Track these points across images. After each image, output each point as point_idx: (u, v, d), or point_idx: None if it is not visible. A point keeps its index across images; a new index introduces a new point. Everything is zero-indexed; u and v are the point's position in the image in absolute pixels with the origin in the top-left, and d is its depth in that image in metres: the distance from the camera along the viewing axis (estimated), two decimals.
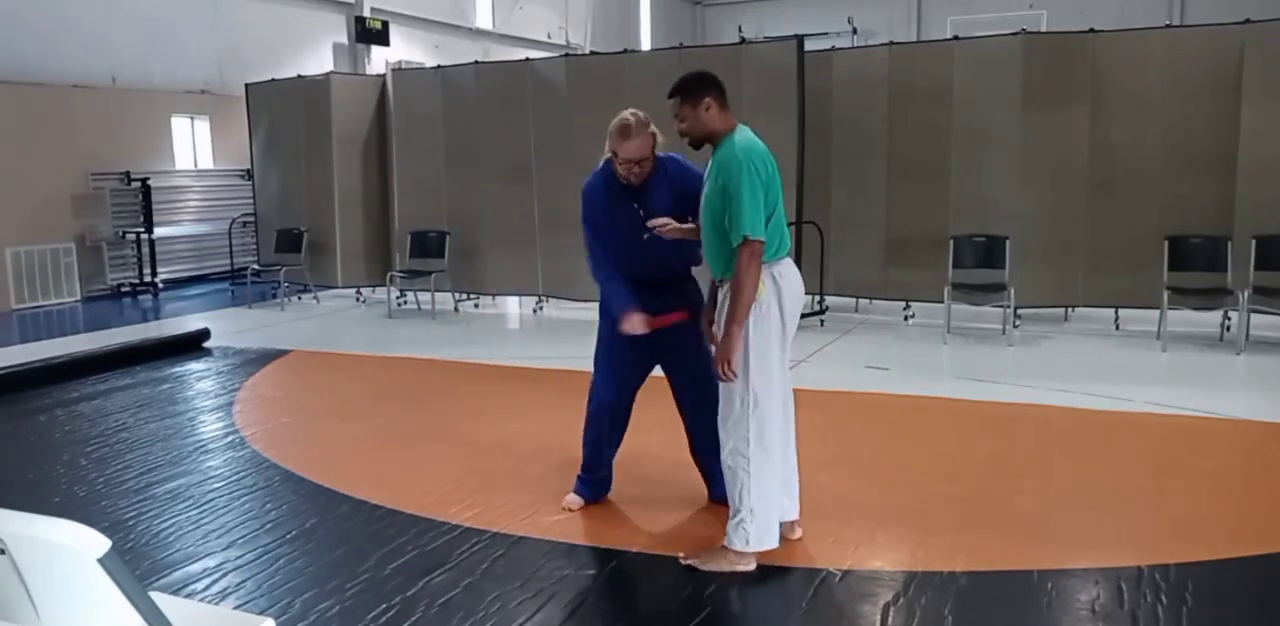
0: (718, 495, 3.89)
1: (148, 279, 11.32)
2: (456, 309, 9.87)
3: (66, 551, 1.60)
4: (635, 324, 3.81)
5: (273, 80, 10.96)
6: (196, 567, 3.65)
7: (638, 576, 3.58)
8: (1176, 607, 3.19)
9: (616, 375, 4.05)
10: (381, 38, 15.11)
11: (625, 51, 10.20)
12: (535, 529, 3.94)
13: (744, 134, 3.53)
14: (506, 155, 9.43)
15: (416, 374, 7.00)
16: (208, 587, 3.47)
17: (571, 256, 7.58)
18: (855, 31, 21.46)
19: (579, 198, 4.01)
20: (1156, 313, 7.47)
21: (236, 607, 3.28)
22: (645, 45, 21.95)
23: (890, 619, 3.17)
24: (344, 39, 14.86)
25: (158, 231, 11.30)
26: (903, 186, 8.54)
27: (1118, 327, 8.11)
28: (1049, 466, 4.71)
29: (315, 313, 9.99)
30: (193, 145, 12.41)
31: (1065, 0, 18.38)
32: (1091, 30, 7.94)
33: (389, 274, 9.78)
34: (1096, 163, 7.91)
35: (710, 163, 3.56)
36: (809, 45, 8.46)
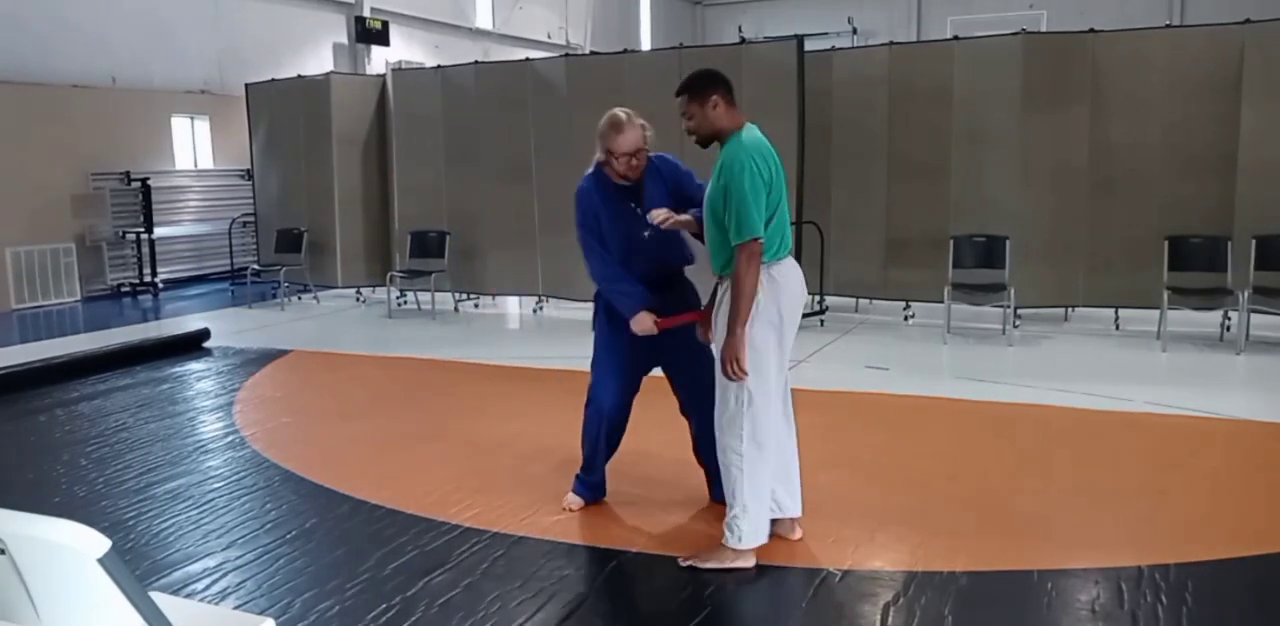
0: (718, 495, 3.89)
1: (148, 279, 11.32)
2: (456, 309, 9.87)
3: (66, 551, 1.60)
4: (647, 325, 3.82)
5: (273, 80, 10.96)
6: (196, 567, 3.65)
7: (638, 576, 3.58)
8: (1176, 607, 3.19)
9: (619, 380, 4.03)
10: (381, 38, 15.11)
11: (625, 51, 10.19)
12: (535, 529, 3.94)
13: (751, 133, 3.53)
14: (506, 155, 9.43)
15: (416, 374, 7.00)
16: (208, 587, 3.47)
17: (571, 256, 7.58)
18: (855, 31, 21.47)
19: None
20: (1156, 312, 7.47)
21: (236, 607, 3.28)
22: (645, 45, 21.95)
23: (890, 619, 3.17)
24: (344, 39, 14.86)
25: (158, 231, 11.30)
26: (903, 186, 8.54)
27: (1118, 327, 8.11)
28: (1049, 466, 4.71)
29: (315, 312, 9.99)
30: (193, 145, 12.41)
31: (1065, 0, 18.38)
32: (1091, 30, 7.94)
33: (389, 274, 9.78)
34: (1096, 163, 7.91)
35: (717, 160, 3.57)
36: (809, 45, 8.46)
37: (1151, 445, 5.03)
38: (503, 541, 3.82)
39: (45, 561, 1.63)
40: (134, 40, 11.49)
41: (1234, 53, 7.53)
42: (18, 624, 1.71)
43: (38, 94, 10.31)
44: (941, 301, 7.77)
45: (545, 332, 9.11)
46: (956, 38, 8.78)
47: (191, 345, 7.88)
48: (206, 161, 12.46)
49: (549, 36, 19.62)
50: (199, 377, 6.94)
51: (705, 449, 4.00)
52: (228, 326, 8.91)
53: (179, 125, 12.15)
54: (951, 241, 7.99)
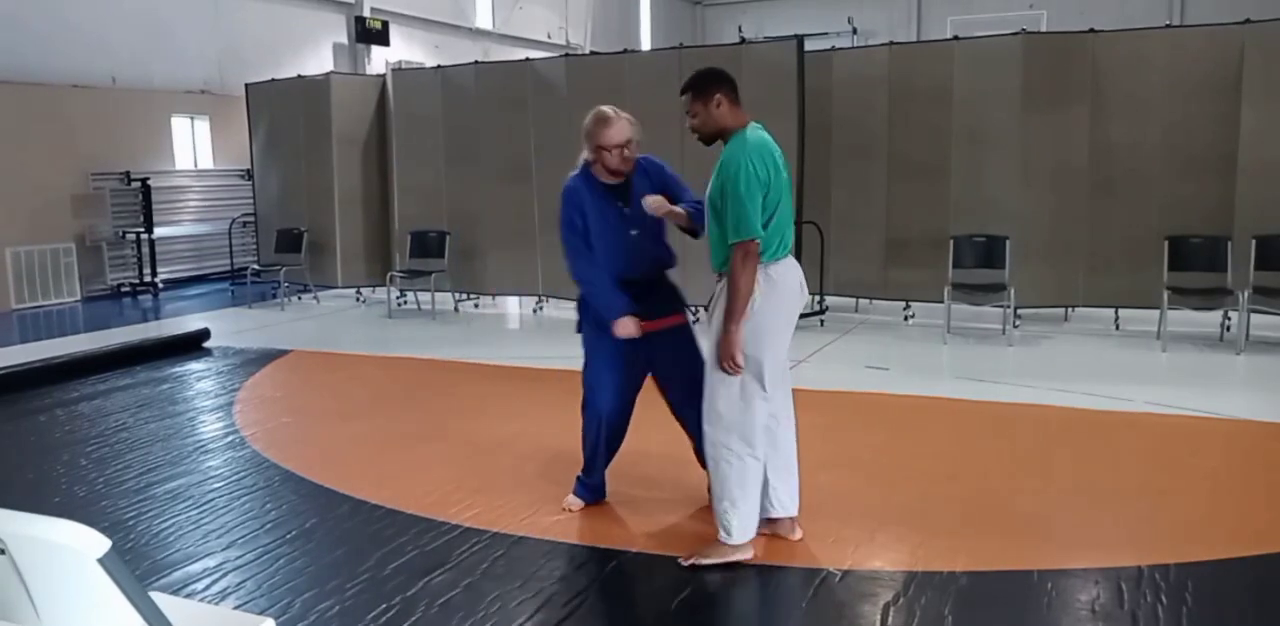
0: None
1: (148, 279, 11.32)
2: (456, 309, 9.87)
3: (66, 551, 1.60)
4: (629, 328, 3.82)
5: (273, 80, 10.96)
6: (196, 567, 3.65)
7: (638, 576, 3.58)
8: (1176, 607, 3.19)
9: (615, 383, 4.01)
10: (381, 38, 15.11)
11: (625, 51, 10.19)
12: (535, 529, 3.94)
13: (755, 132, 3.54)
14: (506, 155, 9.43)
15: (416, 374, 7.00)
16: (208, 587, 3.47)
17: None
18: (855, 31, 21.47)
19: None
20: (1156, 313, 7.47)
21: (236, 607, 3.28)
22: (645, 45, 21.95)
23: (890, 619, 3.17)
24: (344, 39, 14.86)
25: (158, 231, 11.30)
26: (903, 186, 8.54)
27: (1118, 327, 8.11)
28: (1049, 466, 4.71)
29: (315, 312, 9.99)
30: (193, 145, 12.41)
31: (1065, 0, 18.38)
32: (1091, 30, 7.94)
33: (389, 274, 9.78)
34: (1096, 163, 7.91)
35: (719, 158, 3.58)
36: (809, 45, 8.46)
37: (1151, 445, 5.03)
38: (503, 541, 3.82)
39: (45, 561, 1.63)
40: (134, 40, 11.48)
41: (1234, 53, 7.53)
42: (18, 624, 1.71)
43: (38, 94, 10.31)
44: (941, 301, 7.77)
45: (545, 333, 9.11)
46: (956, 38, 8.78)
47: (191, 345, 7.88)
48: (206, 161, 12.46)
49: (549, 36, 19.62)
50: (199, 377, 6.94)
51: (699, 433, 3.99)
52: (228, 326, 8.91)
53: (179, 125, 12.15)
54: (951, 241, 7.99)
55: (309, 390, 6.65)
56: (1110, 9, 17.34)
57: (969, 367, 6.93)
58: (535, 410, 5.79)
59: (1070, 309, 8.59)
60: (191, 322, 9.14)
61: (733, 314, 3.41)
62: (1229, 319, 7.56)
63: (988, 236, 7.92)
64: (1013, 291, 7.59)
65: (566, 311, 9.39)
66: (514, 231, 9.44)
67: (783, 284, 3.52)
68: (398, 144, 10.24)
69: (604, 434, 4.07)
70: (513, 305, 10.38)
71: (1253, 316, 7.21)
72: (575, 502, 4.15)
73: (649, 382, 4.08)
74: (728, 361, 3.43)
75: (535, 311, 9.72)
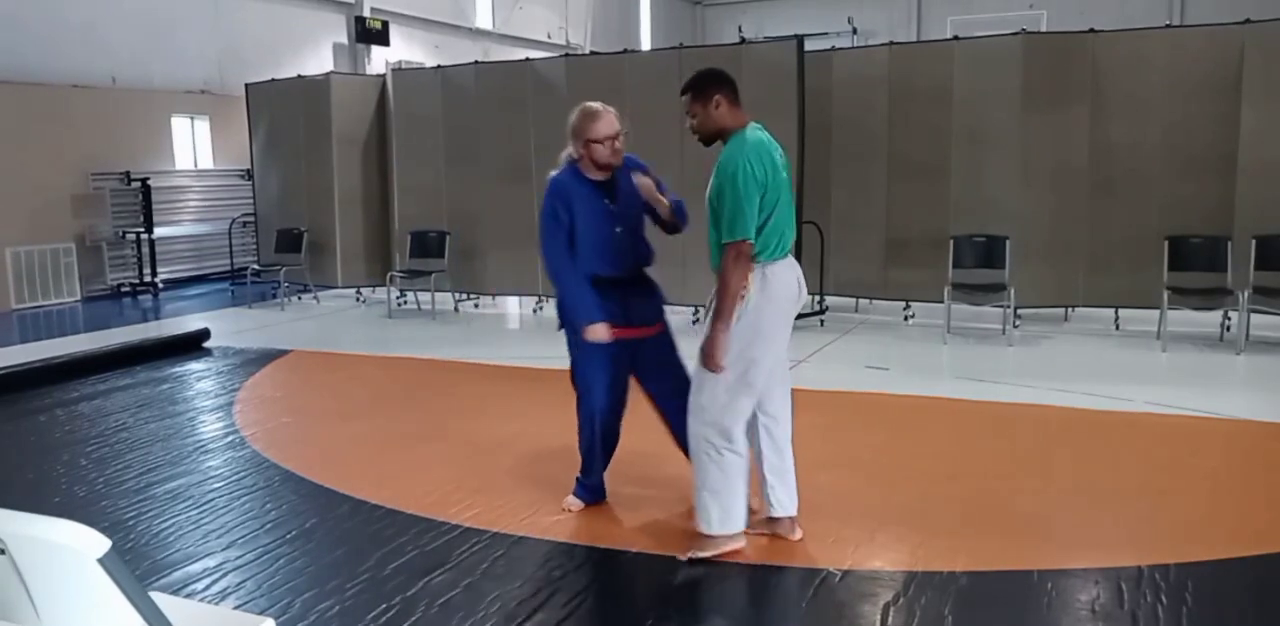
0: None
1: (148, 279, 11.32)
2: (456, 309, 9.87)
3: (66, 551, 1.60)
4: (600, 333, 3.85)
5: (273, 80, 10.96)
6: (196, 567, 3.65)
7: (638, 576, 3.58)
8: (1176, 607, 3.19)
9: (609, 380, 4.02)
10: (381, 38, 15.11)
11: (625, 51, 10.19)
12: (535, 529, 3.94)
13: (754, 132, 3.56)
14: (506, 155, 9.43)
15: (416, 374, 7.00)
16: (208, 587, 3.47)
17: None
18: (855, 31, 21.47)
19: None
20: (1156, 313, 7.47)
21: (236, 607, 3.28)
22: (645, 45, 21.95)
23: (890, 619, 3.17)
24: (344, 39, 14.86)
25: (158, 231, 11.30)
26: (903, 186, 8.54)
27: (1118, 327, 8.11)
28: (1049, 466, 4.71)
29: (315, 312, 9.99)
30: (193, 145, 12.41)
31: (1065, 0, 18.38)
32: (1091, 30, 7.94)
33: (389, 274, 9.78)
34: (1096, 163, 7.91)
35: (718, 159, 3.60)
36: (809, 45, 8.46)
37: (1151, 445, 5.03)
38: (503, 541, 3.82)
39: (45, 561, 1.63)
40: (134, 40, 11.48)
41: (1234, 53, 7.53)
42: (18, 624, 1.71)
43: (38, 94, 10.31)
44: (941, 301, 7.77)
45: (545, 332, 9.07)
46: (956, 38, 8.78)
47: (191, 345, 7.88)
48: (206, 161, 12.46)
49: (549, 36, 19.62)
50: (199, 377, 6.94)
51: (681, 427, 4.00)
52: (228, 326, 8.91)
53: (179, 125, 12.15)
54: (951, 241, 7.99)
55: (309, 390, 6.65)
56: (1110, 9, 17.35)
57: (969, 367, 6.93)
58: (535, 410, 5.79)
59: (1070, 309, 8.59)
60: (191, 322, 9.14)
61: (720, 314, 3.46)
62: (1229, 319, 7.56)
63: (988, 236, 7.92)
64: (1013, 291, 7.59)
65: None
66: (514, 231, 9.42)
67: (779, 284, 3.53)
68: (398, 144, 10.24)
69: (599, 432, 4.08)
70: (513, 305, 10.38)
71: (1253, 316, 7.21)
72: (575, 503, 4.15)
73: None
74: (709, 361, 3.48)
75: (535, 311, 9.72)
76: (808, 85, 8.15)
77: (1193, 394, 5.95)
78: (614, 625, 3.28)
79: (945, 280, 7.85)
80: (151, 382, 6.77)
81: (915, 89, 8.39)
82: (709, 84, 3.58)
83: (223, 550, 3.81)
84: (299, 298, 10.70)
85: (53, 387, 6.56)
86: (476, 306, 10.15)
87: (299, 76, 10.95)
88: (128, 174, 11.11)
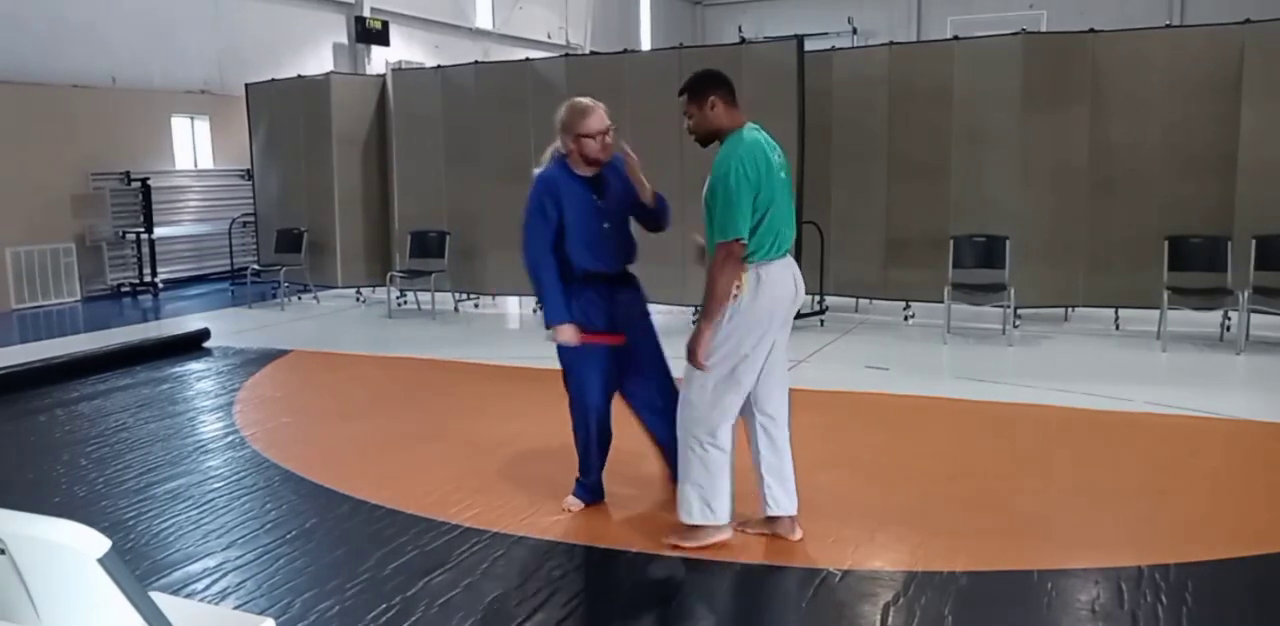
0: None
1: (148, 279, 11.31)
2: (456, 309, 9.87)
3: (66, 551, 1.60)
4: (569, 335, 3.92)
5: (273, 80, 10.96)
6: (196, 567, 3.65)
7: (638, 576, 3.58)
8: (1176, 607, 3.19)
9: (603, 378, 4.05)
10: (381, 38, 15.11)
11: (625, 51, 10.19)
12: (535, 529, 3.94)
13: (750, 133, 3.57)
14: (506, 155, 9.42)
15: (416, 374, 7.00)
16: (208, 587, 3.47)
17: None
18: (855, 31, 21.46)
19: None
20: (1156, 313, 7.47)
21: (236, 607, 3.28)
22: (645, 45, 21.95)
23: (890, 619, 3.17)
24: (344, 39, 14.86)
25: (158, 231, 11.30)
26: (903, 186, 8.54)
27: (1118, 327, 8.11)
28: (1049, 466, 4.71)
29: (315, 312, 9.99)
30: (193, 145, 12.41)
31: (1065, 0, 18.38)
32: (1091, 30, 7.94)
33: (389, 274, 9.78)
34: (1096, 163, 7.91)
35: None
36: (809, 45, 8.46)
37: (1151, 445, 5.03)
38: (503, 541, 3.82)
39: (45, 561, 1.63)
40: (134, 40, 11.48)
41: (1234, 53, 7.53)
42: (18, 624, 1.71)
43: (38, 94, 10.31)
44: (941, 301, 7.77)
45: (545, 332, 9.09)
46: (956, 38, 8.78)
47: (191, 345, 7.88)
48: (206, 161, 12.46)
49: (549, 36, 19.62)
50: (199, 377, 6.94)
51: (655, 424, 4.05)
52: (228, 326, 8.91)
53: (179, 125, 12.15)
54: (951, 241, 7.99)
55: (309, 390, 6.65)
56: (1110, 9, 17.34)
57: (969, 367, 6.93)
58: (535, 410, 5.79)
59: (1070, 309, 8.58)
60: (191, 322, 9.14)
61: (708, 313, 3.50)
62: (1229, 319, 7.56)
63: (988, 236, 7.92)
64: (1013, 291, 7.59)
65: None
66: (514, 231, 9.32)
67: (773, 284, 3.55)
68: (398, 144, 10.23)
69: (595, 431, 4.10)
70: (513, 305, 10.37)
71: (1253, 316, 7.21)
72: (575, 503, 4.15)
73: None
74: (692, 357, 3.53)
75: (535, 311, 9.71)
76: (808, 85, 8.15)
77: (1193, 394, 5.95)
78: (614, 625, 3.28)
79: (945, 280, 7.84)
80: (151, 382, 6.77)
81: (915, 89, 8.39)
82: (705, 85, 3.61)
83: (223, 550, 3.81)
84: (299, 298, 10.70)
85: (53, 387, 6.56)
86: (476, 306, 10.15)
87: (299, 76, 10.95)
88: (128, 174, 11.10)
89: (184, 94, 12.12)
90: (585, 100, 3.95)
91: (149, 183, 11.18)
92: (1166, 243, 7.48)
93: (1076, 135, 7.91)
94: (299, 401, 6.31)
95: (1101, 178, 7.91)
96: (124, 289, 11.21)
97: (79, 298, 10.73)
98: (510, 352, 7.65)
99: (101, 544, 1.60)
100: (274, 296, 10.50)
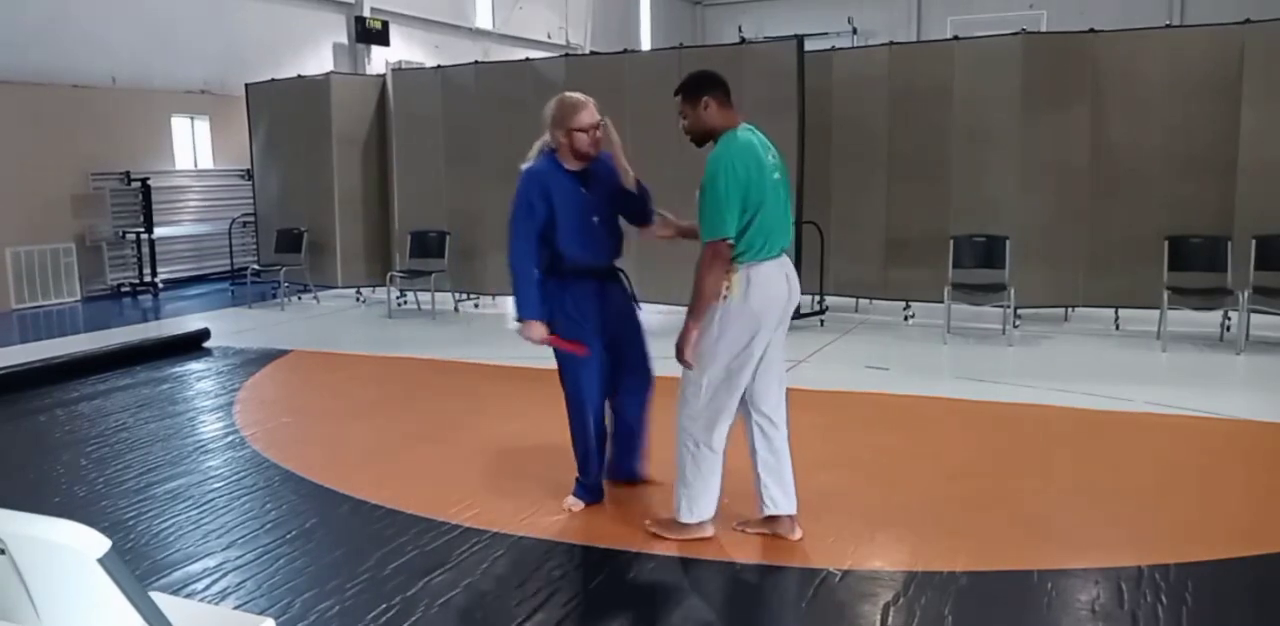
0: (621, 474, 4.26)
1: (148, 279, 11.32)
2: (456, 309, 9.87)
3: (66, 551, 1.60)
4: (538, 332, 3.98)
5: (273, 80, 10.96)
6: (196, 567, 3.65)
7: (638, 576, 3.58)
8: (1176, 607, 3.19)
9: (599, 376, 4.07)
10: (381, 38, 15.11)
11: (625, 51, 10.20)
12: (535, 529, 3.94)
13: (744, 133, 3.58)
14: (506, 155, 9.29)
15: (416, 374, 7.00)
16: (208, 587, 3.47)
17: None
18: (855, 31, 21.46)
19: None
20: (1156, 313, 7.47)
21: (236, 607, 3.28)
22: (645, 45, 21.95)
23: (890, 619, 3.17)
24: (344, 39, 14.85)
25: (158, 231, 11.30)
26: (903, 186, 8.54)
27: (1118, 327, 8.11)
28: (1049, 466, 4.71)
29: (315, 312, 9.99)
30: (193, 145, 12.41)
31: (1065, 0, 18.37)
32: (1091, 30, 7.94)
33: (389, 274, 9.78)
34: (1097, 163, 7.91)
35: None
36: (809, 45, 8.46)
37: (1151, 445, 5.03)
38: (503, 541, 3.82)
39: (45, 561, 1.63)
40: (134, 40, 11.48)
41: (1234, 53, 7.53)
42: (18, 624, 1.71)
43: (38, 94, 10.31)
44: (941, 301, 7.77)
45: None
46: (956, 38, 8.78)
47: (191, 345, 7.88)
48: (206, 161, 12.46)
49: (549, 36, 19.62)
50: (199, 377, 6.94)
51: (626, 404, 4.14)
52: (228, 326, 8.91)
53: (179, 125, 12.15)
54: (951, 241, 7.99)
55: (309, 390, 6.65)
56: (1110, 9, 17.32)
57: (969, 367, 6.93)
58: (535, 410, 5.78)
59: (1070, 309, 8.58)
60: (191, 322, 9.14)
61: (694, 312, 3.53)
62: (1229, 319, 7.56)
63: (988, 236, 7.92)
64: (1013, 291, 7.58)
65: None
66: None
67: (764, 285, 3.55)
68: (398, 144, 10.23)
69: (594, 430, 4.11)
70: (512, 305, 10.34)
71: (1253, 316, 7.21)
72: (575, 503, 4.16)
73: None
74: (679, 356, 3.57)
75: None
76: (808, 85, 8.15)
77: (1193, 394, 5.95)
78: (614, 625, 3.28)
79: (945, 280, 7.84)
80: (151, 382, 6.77)
81: (915, 89, 8.39)
82: (698, 86, 3.63)
83: (223, 550, 3.81)
84: (299, 298, 10.70)
85: (53, 387, 6.56)
86: (476, 306, 10.15)
87: (299, 76, 10.95)
88: (128, 174, 11.10)
89: (184, 94, 12.12)
90: (577, 95, 3.98)
91: (149, 183, 11.18)
92: (1166, 243, 7.48)
93: (1076, 135, 7.91)
94: (299, 401, 6.31)
95: (1101, 178, 7.91)
96: (124, 289, 11.21)
97: (79, 298, 10.73)
98: (510, 353, 7.63)
99: (101, 544, 1.60)
100: (274, 296, 10.50)
